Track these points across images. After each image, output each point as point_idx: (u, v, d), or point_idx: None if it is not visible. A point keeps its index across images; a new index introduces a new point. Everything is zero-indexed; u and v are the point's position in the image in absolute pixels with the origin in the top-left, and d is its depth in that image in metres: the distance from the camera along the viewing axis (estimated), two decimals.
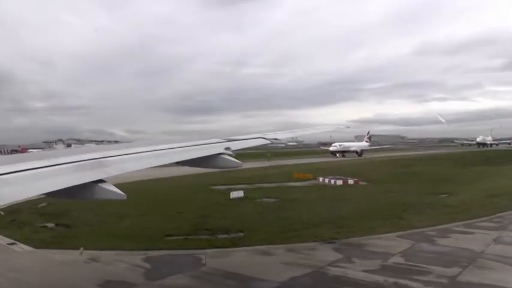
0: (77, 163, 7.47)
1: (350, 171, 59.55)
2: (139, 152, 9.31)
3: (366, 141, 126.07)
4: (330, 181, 47.44)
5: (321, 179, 49.43)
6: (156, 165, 9.22)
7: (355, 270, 15.50)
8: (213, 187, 44.35)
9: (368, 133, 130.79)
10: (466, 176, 51.09)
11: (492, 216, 25.34)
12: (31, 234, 22.91)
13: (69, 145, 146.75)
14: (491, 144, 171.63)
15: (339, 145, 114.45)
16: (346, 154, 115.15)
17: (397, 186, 41.57)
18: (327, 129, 24.80)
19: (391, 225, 23.38)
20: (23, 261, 17.99)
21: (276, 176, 54.87)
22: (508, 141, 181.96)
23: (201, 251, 18.47)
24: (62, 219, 26.68)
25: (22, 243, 21.09)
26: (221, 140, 12.14)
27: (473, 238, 20.46)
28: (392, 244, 19.47)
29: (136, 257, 17.84)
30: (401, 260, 16.81)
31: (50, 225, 25.26)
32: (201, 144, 11.28)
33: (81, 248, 18.72)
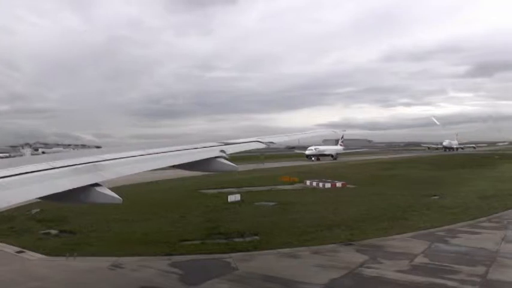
0: (73, 167, 7.43)
1: (332, 174, 60.30)
2: (135, 156, 9.29)
3: (340, 145, 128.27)
4: (318, 184, 47.90)
5: (308, 182, 49.81)
6: (152, 168, 9.25)
7: (388, 271, 15.82)
8: (202, 191, 43.85)
9: (342, 137, 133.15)
10: (447, 178, 52.95)
11: (490, 217, 26.48)
12: (36, 242, 21.89)
13: (36, 149, 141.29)
14: (457, 148, 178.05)
15: (315, 149, 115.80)
16: (321, 158, 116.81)
17: (385, 189, 42.49)
18: (323, 133, 25.18)
19: (399, 226, 23.98)
20: (42, 270, 17.19)
21: (262, 180, 54.80)
22: (473, 145, 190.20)
23: (227, 255, 18.30)
24: (63, 225, 25.69)
25: (31, 250, 20.16)
26: (217, 144, 12.20)
27: (483, 238, 21.31)
28: (410, 245, 19.98)
29: (161, 263, 17.45)
30: (426, 260, 17.30)
31: (53, 231, 24.24)
32: (197, 148, 11.32)
33: (75, 253, 18.43)
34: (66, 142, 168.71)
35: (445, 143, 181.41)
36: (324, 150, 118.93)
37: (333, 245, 20.09)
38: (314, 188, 46.27)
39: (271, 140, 15.68)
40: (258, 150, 18.48)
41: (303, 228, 23.52)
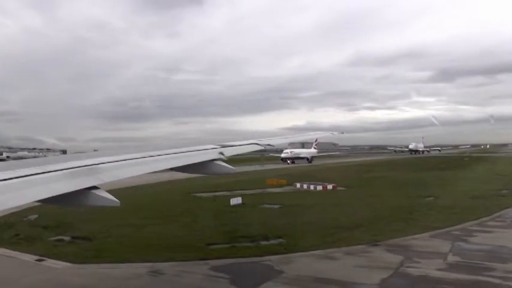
0: (70, 170, 7.45)
1: (317, 176, 60.86)
2: (133, 159, 9.34)
3: (315, 148, 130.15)
4: (309, 187, 48.37)
5: (298, 185, 50.08)
6: (150, 171, 9.30)
7: (430, 270, 16.29)
8: (196, 194, 43.42)
9: (316, 140, 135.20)
10: (430, 180, 54.75)
11: (492, 217, 27.70)
12: (52, 249, 20.92)
13: (0, 153, 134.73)
14: (423, 151, 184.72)
15: (290, 152, 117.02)
16: (295, 161, 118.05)
17: (376, 191, 43.48)
18: (321, 135, 25.42)
19: (414, 226, 24.65)
20: (77, 279, 16.45)
21: (249, 183, 54.60)
22: (439, 148, 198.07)
23: (264, 258, 18.25)
24: (72, 231, 24.68)
25: (52, 258, 19.27)
26: (215, 146, 12.27)
27: (497, 236, 22.29)
28: (434, 244, 20.66)
29: (201, 267, 17.16)
30: (458, 259, 17.94)
31: (66, 238, 23.29)
32: (194, 151, 11.40)
33: None
34: (31, 146, 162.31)
35: (411, 146, 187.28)
36: (299, 153, 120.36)
37: (360, 246, 20.39)
38: (307, 191, 46.69)
39: (269, 143, 15.75)
40: (254, 152, 18.59)
41: (322, 230, 23.75)
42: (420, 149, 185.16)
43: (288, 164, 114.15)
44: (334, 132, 26.86)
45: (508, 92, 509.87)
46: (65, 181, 6.93)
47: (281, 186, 51.42)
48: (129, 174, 8.50)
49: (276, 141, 16.89)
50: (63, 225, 26.21)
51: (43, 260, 19.16)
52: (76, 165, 7.74)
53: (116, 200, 7.07)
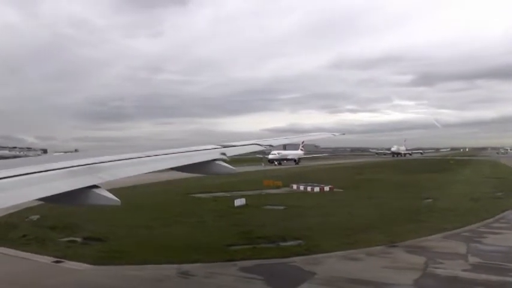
0: (70, 168, 7.51)
1: (309, 178, 60.42)
2: (133, 158, 9.43)
3: (301, 150, 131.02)
4: (306, 188, 48.52)
5: (295, 186, 50.28)
6: (151, 171, 9.40)
7: (457, 270, 16.59)
8: (195, 195, 43.17)
9: (302, 142, 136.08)
10: (422, 182, 55.77)
11: (495, 218, 28.36)
12: (66, 251, 20.41)
13: None
14: (405, 154, 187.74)
15: (278, 153, 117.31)
16: (282, 162, 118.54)
17: (374, 193, 43.53)
18: (323, 136, 25.48)
19: (423, 228, 24.88)
20: (106, 280, 16.14)
21: (245, 184, 54.37)
22: (421, 151, 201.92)
23: (290, 260, 18.27)
24: (81, 232, 24.17)
25: (70, 260, 18.84)
26: (216, 146, 12.42)
27: (507, 238, 22.93)
28: (450, 245, 21.04)
29: (230, 269, 17.04)
30: (479, 260, 18.28)
31: (77, 239, 22.83)
32: (196, 150, 11.53)
33: None
34: (11, 145, 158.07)
35: (393, 149, 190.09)
36: (287, 155, 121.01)
37: (379, 247, 20.59)
38: (304, 192, 46.80)
39: (270, 143, 15.88)
40: (255, 152, 18.72)
41: (336, 232, 23.88)
42: (402, 152, 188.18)
43: (276, 165, 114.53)
44: (335, 133, 26.93)
45: (486, 97, 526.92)
46: (66, 180, 6.95)
47: (278, 187, 51.41)
48: (129, 173, 8.57)
49: (276, 142, 16.99)
50: (69, 226, 25.69)
51: (61, 261, 18.71)
52: (76, 164, 7.76)
53: (116, 199, 7.11)
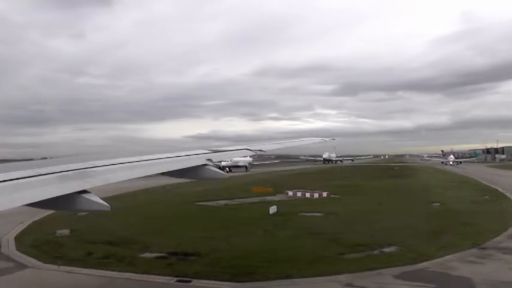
0: (61, 173, 7.57)
1: (283, 185, 59.62)
2: (125, 163, 9.54)
3: (250, 157, 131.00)
4: (304, 194, 47.76)
5: (290, 193, 48.84)
6: (142, 175, 9.65)
7: None
8: (201, 203, 41.00)
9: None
10: (403, 187, 58.78)
11: None
12: (167, 269, 18.52)
13: None
14: (336, 161, 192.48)
15: (230, 160, 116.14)
16: (233, 169, 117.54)
17: (376, 198, 44.00)
18: (314, 141, 25.89)
19: (480, 229, 25.85)
20: None
21: (235, 191, 52.28)
22: (351, 158, 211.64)
23: (419, 266, 18.50)
24: (152, 247, 22.33)
25: (196, 278, 17.13)
26: (206, 151, 12.61)
27: None
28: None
29: (384, 277, 16.88)
30: None
31: (164, 255, 20.79)
32: (186, 155, 11.76)
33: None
34: None
35: (325, 156, 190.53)
36: (238, 162, 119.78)
37: (471, 250, 21.18)
38: (307, 198, 46.10)
39: (260, 148, 15.78)
40: None
41: (417, 236, 24.37)
42: (333, 159, 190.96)
43: (227, 172, 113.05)
44: (326, 139, 26.93)
45: (405, 107, 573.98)
46: (55, 185, 6.91)
47: (272, 194, 49.73)
48: (121, 178, 8.62)
49: (267, 147, 16.77)
50: (125, 241, 23.71)
51: (187, 280, 16.92)
52: (67, 169, 7.77)
53: (105, 204, 7.20)
